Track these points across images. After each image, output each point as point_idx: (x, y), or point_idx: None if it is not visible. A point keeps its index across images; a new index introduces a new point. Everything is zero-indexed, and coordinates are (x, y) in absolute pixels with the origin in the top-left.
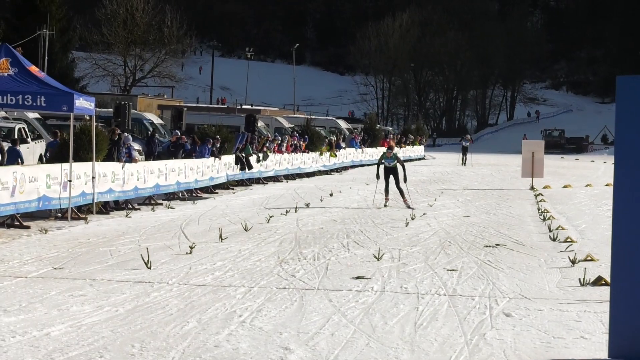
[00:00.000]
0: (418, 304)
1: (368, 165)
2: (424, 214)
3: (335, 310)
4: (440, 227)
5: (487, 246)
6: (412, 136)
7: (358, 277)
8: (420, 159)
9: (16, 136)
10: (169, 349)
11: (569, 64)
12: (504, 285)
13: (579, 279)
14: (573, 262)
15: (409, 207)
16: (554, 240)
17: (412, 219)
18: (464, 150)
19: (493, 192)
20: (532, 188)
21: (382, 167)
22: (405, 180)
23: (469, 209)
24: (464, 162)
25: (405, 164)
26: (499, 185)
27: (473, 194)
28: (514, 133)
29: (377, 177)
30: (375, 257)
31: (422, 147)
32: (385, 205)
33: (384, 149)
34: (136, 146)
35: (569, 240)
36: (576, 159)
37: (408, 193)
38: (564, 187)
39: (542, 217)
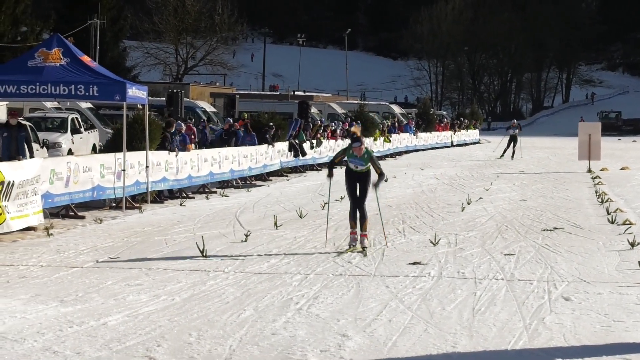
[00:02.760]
0: (476, 289)
1: (422, 150)
2: (480, 198)
3: (392, 297)
4: (496, 212)
5: (544, 230)
6: (466, 120)
7: (415, 263)
8: (475, 142)
9: (69, 126)
10: (226, 337)
11: (624, 45)
12: (562, 269)
13: (639, 262)
14: (632, 244)
15: (363, 248)
16: (612, 223)
17: (468, 203)
18: (512, 141)
19: (549, 176)
20: (589, 171)
21: (343, 168)
22: (372, 191)
23: (526, 193)
24: (509, 153)
25: (382, 166)
26: (556, 168)
27: (529, 178)
28: (570, 115)
29: (329, 175)
30: (431, 242)
31: (477, 131)
32: (350, 248)
33: (439, 134)
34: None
35: (627, 222)
36: (633, 141)
37: (381, 225)
38: (621, 169)
39: (599, 200)
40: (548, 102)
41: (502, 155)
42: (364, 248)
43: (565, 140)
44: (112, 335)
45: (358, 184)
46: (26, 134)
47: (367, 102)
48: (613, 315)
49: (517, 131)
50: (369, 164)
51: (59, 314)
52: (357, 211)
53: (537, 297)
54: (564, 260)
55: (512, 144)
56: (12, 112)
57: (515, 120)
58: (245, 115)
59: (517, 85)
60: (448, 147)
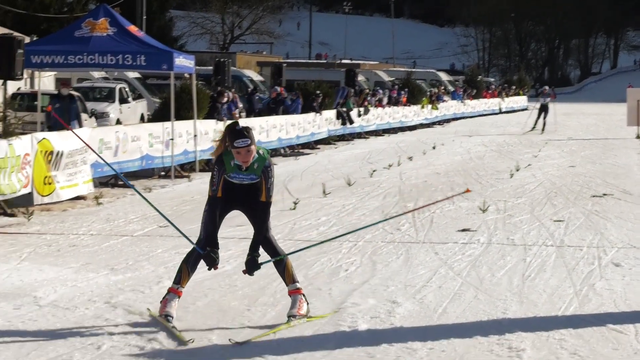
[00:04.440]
0: (525, 256)
1: (470, 117)
2: (529, 165)
3: (441, 263)
4: (545, 178)
5: (594, 196)
6: (514, 87)
7: (464, 230)
8: (523, 109)
9: (117, 96)
10: (276, 304)
11: None
12: (612, 235)
13: None
14: None
15: (291, 317)
16: None
17: (517, 170)
18: (543, 110)
19: (598, 142)
20: (638, 137)
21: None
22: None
23: (574, 159)
24: (539, 125)
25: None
26: (604, 134)
27: (578, 144)
28: (618, 82)
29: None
30: (480, 209)
31: (524, 97)
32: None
33: (486, 101)
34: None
35: None
36: None
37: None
38: None
39: None
40: (596, 69)
41: (533, 128)
42: (292, 316)
43: (613, 106)
44: None
45: (244, 200)
46: (77, 105)
47: (414, 70)
48: None
49: (548, 99)
50: (260, 177)
51: (109, 282)
52: (263, 246)
53: (587, 263)
54: (614, 226)
55: (542, 115)
56: (63, 83)
57: (547, 87)
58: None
59: (565, 51)
60: (496, 114)
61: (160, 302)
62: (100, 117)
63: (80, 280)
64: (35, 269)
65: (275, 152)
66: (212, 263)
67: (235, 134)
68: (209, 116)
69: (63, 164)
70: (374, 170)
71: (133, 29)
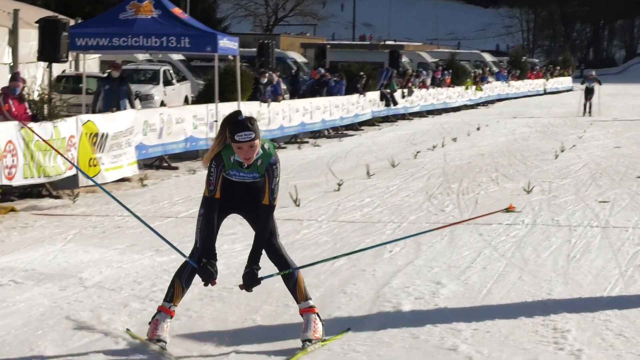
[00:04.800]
0: (570, 237)
1: (514, 98)
2: (574, 145)
3: (486, 244)
4: (590, 159)
5: (639, 177)
6: (559, 68)
7: (508, 211)
8: (567, 90)
9: (161, 78)
10: (320, 285)
11: None
12: None
13: None
14: None
15: (308, 341)
16: None
17: (562, 151)
18: (588, 94)
19: None
20: None
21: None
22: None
23: (620, 140)
24: (586, 110)
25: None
26: None
27: (623, 125)
28: None
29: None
30: (525, 190)
31: (569, 78)
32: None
33: (531, 82)
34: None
35: None
36: None
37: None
38: None
39: None
40: None
41: (584, 112)
42: (309, 341)
43: None
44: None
45: (244, 201)
46: (127, 87)
47: (458, 51)
48: None
49: (594, 84)
50: (264, 173)
51: (154, 264)
52: (270, 256)
53: (633, 244)
54: None
55: (588, 97)
56: (115, 65)
57: (593, 72)
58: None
59: (610, 32)
60: (540, 94)
61: (150, 323)
62: (145, 100)
63: (126, 261)
64: (80, 251)
65: (318, 134)
66: (209, 278)
67: (237, 126)
68: (252, 98)
69: (108, 145)
70: (417, 152)
71: (177, 11)
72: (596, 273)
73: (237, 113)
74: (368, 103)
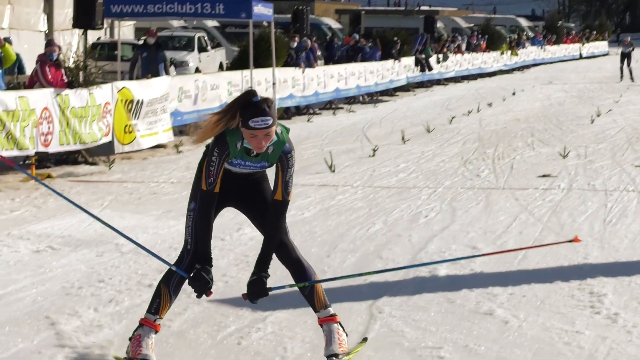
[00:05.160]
0: (606, 201)
1: (550, 63)
2: (610, 110)
3: (522, 209)
4: (626, 123)
5: None
6: (595, 32)
7: (544, 176)
8: (603, 54)
9: (196, 45)
10: (355, 251)
11: None
12: None
13: None
14: None
15: (334, 355)
16: None
17: (598, 115)
18: (625, 58)
19: None
20: None
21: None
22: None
23: None
24: (623, 75)
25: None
26: None
27: None
28: None
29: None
30: (561, 155)
31: (605, 42)
32: None
33: (567, 46)
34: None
35: None
36: None
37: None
38: None
39: None
40: None
41: (622, 77)
42: (335, 356)
43: None
44: (244, 248)
45: (242, 192)
46: (163, 53)
47: (494, 16)
48: None
49: (630, 49)
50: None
51: None
52: (283, 259)
53: None
54: None
55: (625, 62)
56: (151, 32)
57: (629, 37)
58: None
59: None
60: (576, 59)
61: (130, 338)
62: (180, 66)
63: (161, 227)
64: (116, 217)
65: (353, 100)
66: (204, 287)
67: (252, 110)
68: (287, 64)
69: (143, 112)
70: (452, 117)
71: None
72: (632, 237)
73: (252, 93)
74: (403, 69)
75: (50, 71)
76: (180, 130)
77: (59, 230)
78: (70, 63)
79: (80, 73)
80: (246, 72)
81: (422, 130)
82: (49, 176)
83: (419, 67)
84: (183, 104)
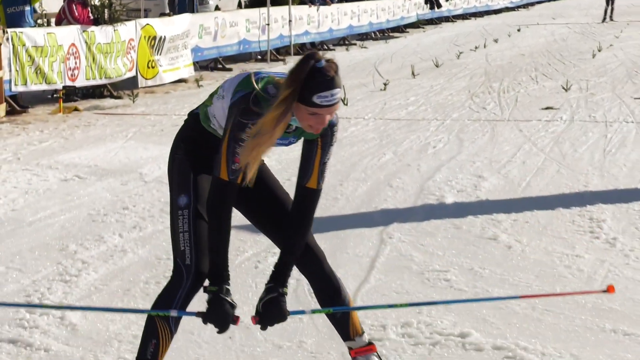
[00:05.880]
0: (606, 132)
1: (554, 0)
2: (611, 45)
3: (525, 140)
4: (626, 58)
5: None
6: None
7: (547, 108)
8: None
9: None
10: (367, 180)
11: None
12: None
13: None
14: None
15: None
16: None
17: (599, 50)
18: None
19: None
20: None
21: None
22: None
23: None
24: (607, 16)
25: None
26: None
27: None
28: None
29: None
30: (563, 88)
31: None
32: None
33: None
34: None
35: None
36: None
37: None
38: None
39: None
40: None
41: (604, 19)
42: None
43: None
44: None
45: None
46: None
47: None
48: None
49: None
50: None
51: None
52: (306, 269)
53: None
54: None
55: (610, 2)
56: None
57: None
58: None
59: None
60: None
61: None
62: (200, 4)
63: None
64: (140, 148)
65: (365, 36)
66: (227, 318)
67: (319, 79)
68: (302, 2)
69: (165, 48)
70: (460, 53)
71: None
72: (631, 166)
73: (314, 57)
74: (413, 6)
75: (77, 9)
76: (200, 65)
77: (86, 160)
78: (96, 1)
79: (106, 11)
80: (263, 10)
81: (431, 65)
82: (76, 109)
83: (428, 4)
84: (203, 40)
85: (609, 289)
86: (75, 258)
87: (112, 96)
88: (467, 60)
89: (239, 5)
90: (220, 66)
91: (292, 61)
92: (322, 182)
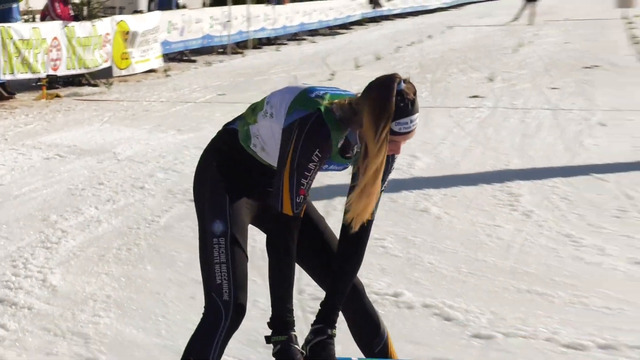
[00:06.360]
0: (525, 118)
1: (484, 1)
2: (530, 42)
3: (455, 124)
4: (544, 53)
5: (585, 67)
6: None
7: (474, 96)
8: None
9: None
10: None
11: None
12: (599, 100)
13: None
14: None
15: None
16: None
17: (520, 46)
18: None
19: (591, 22)
20: (624, 17)
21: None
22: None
23: (570, 37)
24: (519, 16)
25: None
26: (598, 15)
27: (574, 24)
28: None
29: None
30: (488, 79)
31: None
32: None
33: None
34: None
35: None
36: None
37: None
38: None
39: (633, 42)
40: None
41: (516, 18)
42: None
43: None
44: None
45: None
46: None
47: None
48: None
49: None
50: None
51: (176, 141)
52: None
53: (577, 123)
54: (601, 93)
55: (527, 5)
56: None
57: None
58: None
59: None
60: None
61: None
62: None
63: (152, 139)
64: (114, 130)
65: (316, 32)
66: None
67: (401, 104)
68: (260, 2)
69: (137, 42)
70: (399, 47)
71: None
72: (546, 148)
73: (394, 80)
74: (358, 6)
75: (59, 6)
76: (169, 57)
77: (66, 141)
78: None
79: (85, 8)
80: (225, 8)
81: (373, 58)
82: (57, 95)
83: (371, 4)
84: (171, 35)
85: None
86: (56, 227)
87: (89, 84)
88: (404, 54)
89: (203, 4)
90: (185, 58)
91: (250, 54)
92: (376, 212)
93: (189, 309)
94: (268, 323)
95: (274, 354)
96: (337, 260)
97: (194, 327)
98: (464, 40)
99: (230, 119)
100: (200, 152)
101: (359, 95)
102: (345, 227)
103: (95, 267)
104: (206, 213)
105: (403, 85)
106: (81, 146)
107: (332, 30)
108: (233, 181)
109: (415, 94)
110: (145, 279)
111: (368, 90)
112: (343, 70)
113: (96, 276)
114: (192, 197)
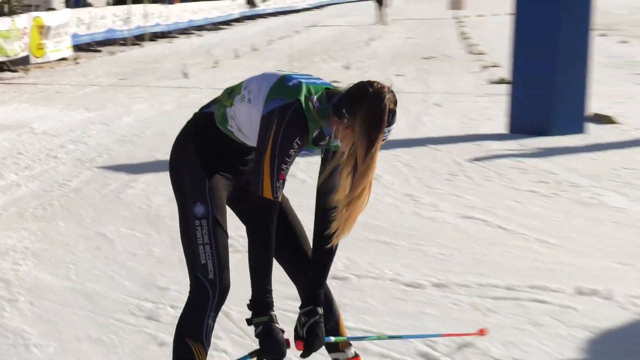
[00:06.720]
0: None
1: (344, 3)
2: (380, 36)
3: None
4: (391, 46)
5: (423, 58)
6: None
7: (334, 81)
8: None
9: None
10: None
11: None
12: (435, 84)
13: (488, 80)
14: (484, 67)
15: None
16: (471, 53)
17: (372, 40)
18: (379, 3)
19: (429, 21)
20: (455, 18)
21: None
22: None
23: (412, 33)
24: (378, 19)
25: None
26: (435, 15)
27: (416, 22)
28: None
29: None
30: (345, 67)
31: None
32: None
33: None
34: None
35: (481, 53)
36: None
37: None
38: (478, 16)
39: (462, 38)
40: None
41: (379, 22)
42: None
43: None
44: (124, 131)
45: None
46: None
47: None
48: (470, 116)
49: None
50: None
51: (84, 118)
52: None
53: (417, 104)
54: (437, 79)
55: (379, 6)
56: None
57: None
58: None
59: None
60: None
61: None
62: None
63: (64, 116)
64: (31, 109)
65: (202, 27)
66: (281, 347)
67: (387, 118)
68: (155, 1)
69: (51, 35)
70: (271, 40)
71: None
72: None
73: (384, 95)
74: (237, 6)
75: None
76: (78, 48)
77: None
78: None
79: (6, 6)
80: (125, 7)
81: (250, 49)
82: None
83: (249, 5)
84: (80, 29)
85: (482, 332)
86: None
87: (10, 70)
88: (276, 46)
89: (107, 3)
90: (92, 48)
91: (147, 45)
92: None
93: (95, 258)
94: (248, 305)
95: (256, 335)
96: (316, 247)
97: (100, 273)
98: (326, 35)
99: (130, 99)
100: (106, 128)
101: (343, 94)
102: (322, 228)
103: (15, 224)
104: (187, 197)
105: (388, 95)
106: (3, 122)
107: (216, 26)
108: (211, 162)
109: (395, 104)
110: (58, 233)
111: (359, 100)
112: (225, 59)
113: (16, 231)
114: (97, 164)
